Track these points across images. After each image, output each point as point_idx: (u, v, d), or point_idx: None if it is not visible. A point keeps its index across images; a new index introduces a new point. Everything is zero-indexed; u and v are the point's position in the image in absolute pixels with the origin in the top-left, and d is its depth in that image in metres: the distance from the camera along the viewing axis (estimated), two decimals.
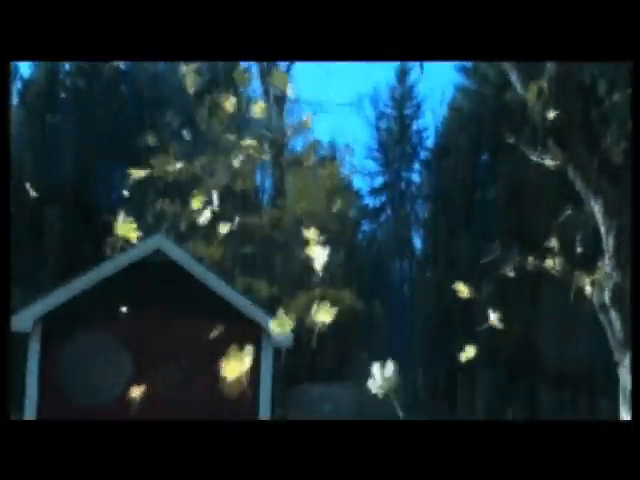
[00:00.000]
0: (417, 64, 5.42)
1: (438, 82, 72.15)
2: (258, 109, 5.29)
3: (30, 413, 14.48)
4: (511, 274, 6.71)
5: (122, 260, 15.04)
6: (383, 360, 3.91)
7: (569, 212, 6.91)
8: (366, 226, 45.64)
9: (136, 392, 5.40)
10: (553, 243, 6.44)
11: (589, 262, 6.04)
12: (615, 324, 5.56)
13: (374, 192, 47.77)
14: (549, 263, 6.42)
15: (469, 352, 4.91)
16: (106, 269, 14.97)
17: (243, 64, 5.52)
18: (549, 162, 5.94)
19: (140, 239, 4.73)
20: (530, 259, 6.75)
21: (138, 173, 5.31)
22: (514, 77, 6.11)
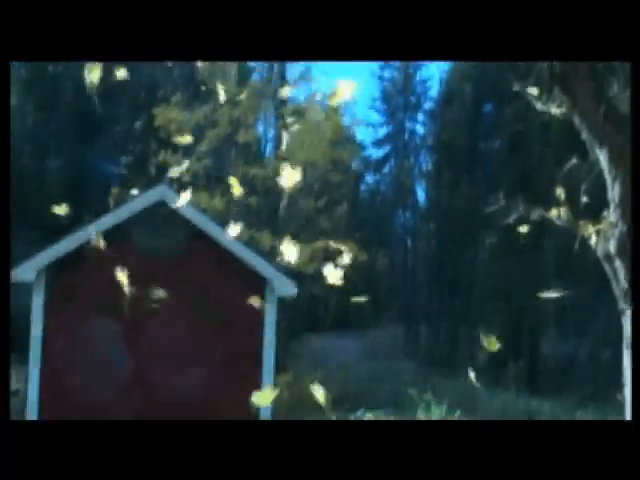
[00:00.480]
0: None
1: None
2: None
3: (35, 365, 14.57)
4: (523, 229, 6.71)
5: (125, 211, 15.04)
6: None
7: (574, 161, 6.89)
8: (369, 177, 45.57)
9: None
10: (558, 192, 6.42)
11: (594, 212, 6.03)
12: (619, 273, 5.56)
13: (377, 143, 47.61)
14: (554, 213, 6.41)
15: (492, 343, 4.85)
16: (109, 220, 14.96)
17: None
18: (555, 110, 5.90)
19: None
20: (535, 209, 6.75)
21: None
22: None
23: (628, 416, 5.84)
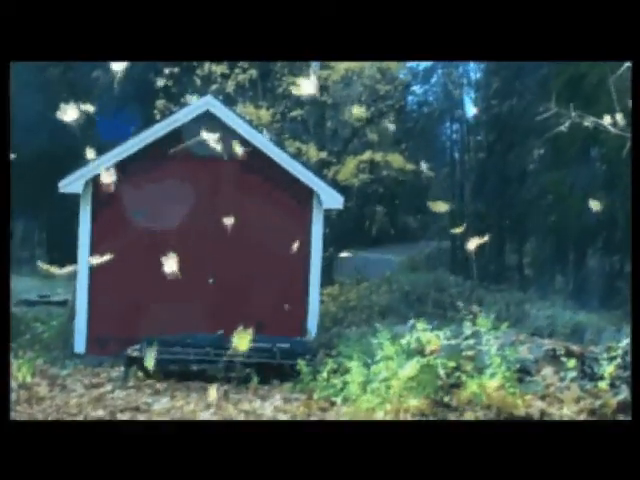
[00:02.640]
0: None
1: None
2: None
3: (83, 275, 14.74)
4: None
5: (172, 122, 14.97)
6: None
7: (628, 65, 6.70)
8: (417, 88, 44.78)
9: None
10: (612, 97, 6.28)
11: None
12: None
13: None
14: (607, 119, 6.27)
15: None
16: (156, 130, 14.92)
17: None
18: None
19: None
20: (587, 116, 6.63)
21: None
22: None
23: None
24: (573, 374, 9.48)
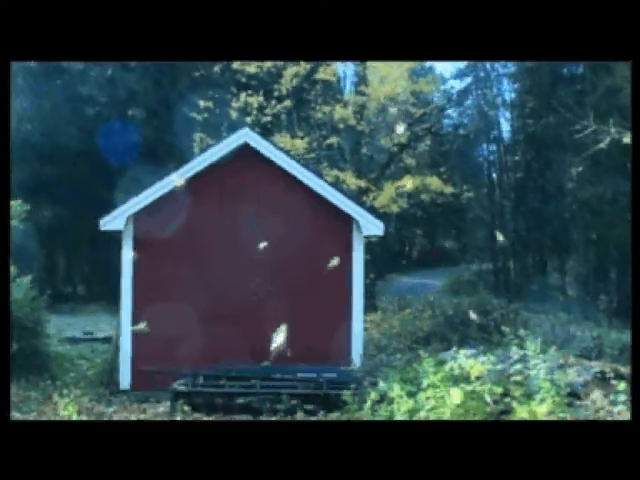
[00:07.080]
0: None
1: None
2: None
3: (126, 312, 14.78)
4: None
5: (210, 155, 15.05)
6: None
7: None
8: (452, 111, 44.78)
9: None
10: None
11: None
12: None
13: (458, 75, 46.67)
14: None
15: None
16: (195, 165, 14.99)
17: None
18: None
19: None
20: (626, 132, 6.61)
21: None
22: None
23: None
24: (623, 397, 9.29)
